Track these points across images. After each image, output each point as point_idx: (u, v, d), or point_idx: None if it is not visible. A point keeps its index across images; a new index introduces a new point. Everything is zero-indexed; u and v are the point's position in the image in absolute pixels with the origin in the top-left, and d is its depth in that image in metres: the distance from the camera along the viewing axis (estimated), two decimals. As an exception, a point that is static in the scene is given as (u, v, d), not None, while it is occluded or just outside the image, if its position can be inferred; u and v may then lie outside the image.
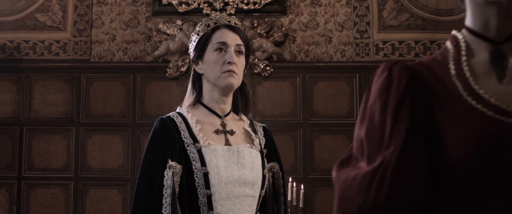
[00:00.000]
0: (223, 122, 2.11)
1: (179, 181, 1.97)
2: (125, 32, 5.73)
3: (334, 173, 1.15)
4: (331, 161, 5.56)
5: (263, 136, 2.20)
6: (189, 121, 2.06)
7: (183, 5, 5.68)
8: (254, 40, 5.58)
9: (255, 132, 2.18)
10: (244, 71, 2.13)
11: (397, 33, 5.71)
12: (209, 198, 1.98)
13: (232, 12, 5.59)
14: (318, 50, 5.69)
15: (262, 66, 5.62)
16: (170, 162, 1.96)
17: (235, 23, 2.14)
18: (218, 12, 5.57)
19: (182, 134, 2.02)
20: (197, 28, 2.15)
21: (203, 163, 1.99)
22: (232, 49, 2.07)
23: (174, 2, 5.68)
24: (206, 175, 1.98)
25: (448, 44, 1.19)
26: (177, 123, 2.04)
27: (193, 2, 5.69)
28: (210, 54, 2.09)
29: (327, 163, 5.55)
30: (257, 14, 5.70)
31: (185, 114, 2.09)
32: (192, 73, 2.16)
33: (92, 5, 5.75)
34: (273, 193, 2.20)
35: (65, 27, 5.75)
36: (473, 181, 1.05)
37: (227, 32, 2.10)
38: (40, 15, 5.76)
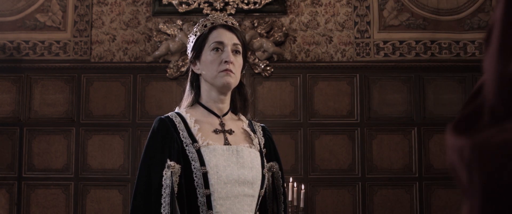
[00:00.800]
0: (222, 121, 2.11)
1: (177, 181, 1.97)
2: (125, 32, 5.72)
3: (457, 141, 0.74)
4: (331, 161, 5.56)
5: (262, 136, 2.20)
6: (188, 120, 2.07)
7: (183, 5, 5.67)
8: (255, 40, 5.57)
9: (254, 131, 2.18)
10: (242, 71, 2.14)
11: (398, 33, 5.70)
12: (208, 197, 1.98)
13: (233, 12, 5.58)
14: (318, 50, 5.68)
15: (262, 66, 5.62)
16: (169, 162, 1.96)
17: (232, 23, 2.15)
18: (218, 12, 5.56)
19: (180, 134, 2.02)
20: (194, 29, 2.17)
21: (202, 163, 1.99)
22: (228, 48, 2.08)
23: (174, 2, 5.68)
24: (205, 175, 1.98)
25: None
26: (176, 123, 2.05)
27: (193, 2, 5.68)
28: (207, 54, 2.09)
29: (328, 163, 5.55)
30: (257, 14, 5.70)
31: (183, 113, 2.09)
32: (190, 74, 2.17)
33: (92, 5, 5.75)
34: (272, 192, 2.20)
35: (65, 27, 5.75)
36: None
37: (224, 31, 2.10)
38: (40, 15, 5.75)
